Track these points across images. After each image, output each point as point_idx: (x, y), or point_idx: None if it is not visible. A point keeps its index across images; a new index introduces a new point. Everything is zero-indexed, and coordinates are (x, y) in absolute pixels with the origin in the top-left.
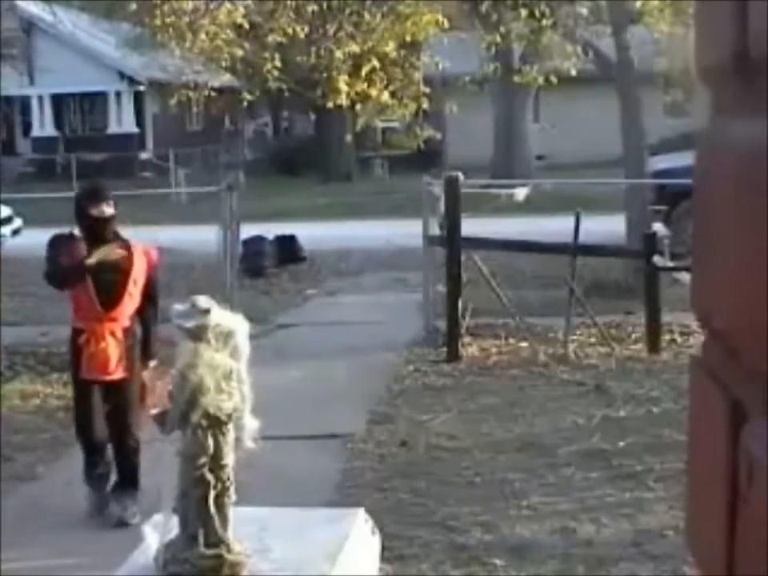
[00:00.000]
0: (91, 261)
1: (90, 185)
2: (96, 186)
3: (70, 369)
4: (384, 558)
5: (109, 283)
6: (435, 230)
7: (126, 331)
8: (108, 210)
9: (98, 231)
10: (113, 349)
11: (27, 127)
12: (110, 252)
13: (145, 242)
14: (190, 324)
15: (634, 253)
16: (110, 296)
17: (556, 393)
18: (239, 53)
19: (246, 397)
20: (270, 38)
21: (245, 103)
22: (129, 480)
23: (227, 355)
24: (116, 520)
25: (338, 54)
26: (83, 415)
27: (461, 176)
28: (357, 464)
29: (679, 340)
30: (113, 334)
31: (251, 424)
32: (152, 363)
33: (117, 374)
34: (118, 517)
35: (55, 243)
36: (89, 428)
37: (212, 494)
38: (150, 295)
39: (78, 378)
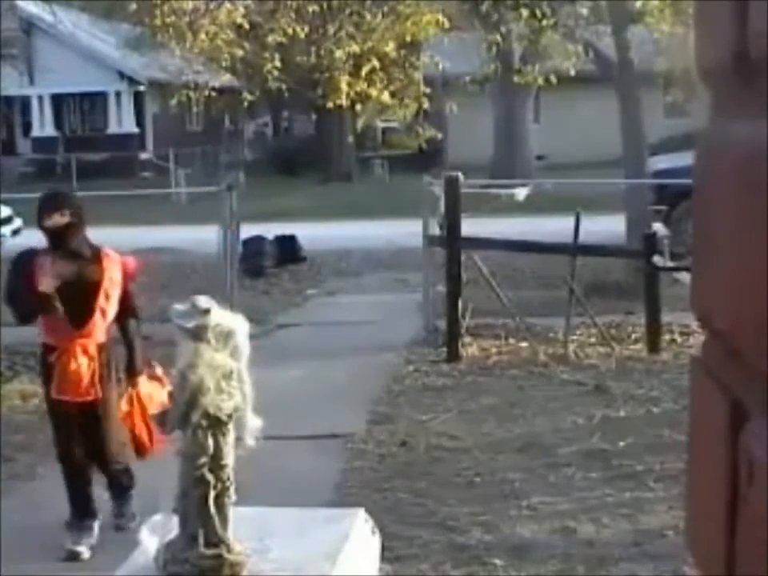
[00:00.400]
0: (44, 287)
1: (44, 194)
2: (48, 196)
3: (42, 387)
4: (384, 558)
5: (77, 298)
6: (435, 230)
7: (101, 348)
8: (60, 219)
9: (56, 242)
10: (86, 368)
11: (27, 127)
12: (63, 272)
13: (118, 250)
14: (190, 324)
15: (634, 253)
16: (80, 311)
17: (556, 393)
18: (239, 53)
19: (248, 396)
20: (270, 38)
21: (245, 103)
22: (122, 488)
23: (227, 355)
24: (114, 525)
25: (339, 53)
26: (59, 437)
27: (461, 176)
28: (357, 464)
29: (679, 340)
30: (85, 351)
31: (253, 423)
32: (140, 379)
33: (91, 394)
34: (115, 524)
35: (17, 262)
36: (67, 450)
37: (212, 494)
38: (128, 307)
39: (51, 399)
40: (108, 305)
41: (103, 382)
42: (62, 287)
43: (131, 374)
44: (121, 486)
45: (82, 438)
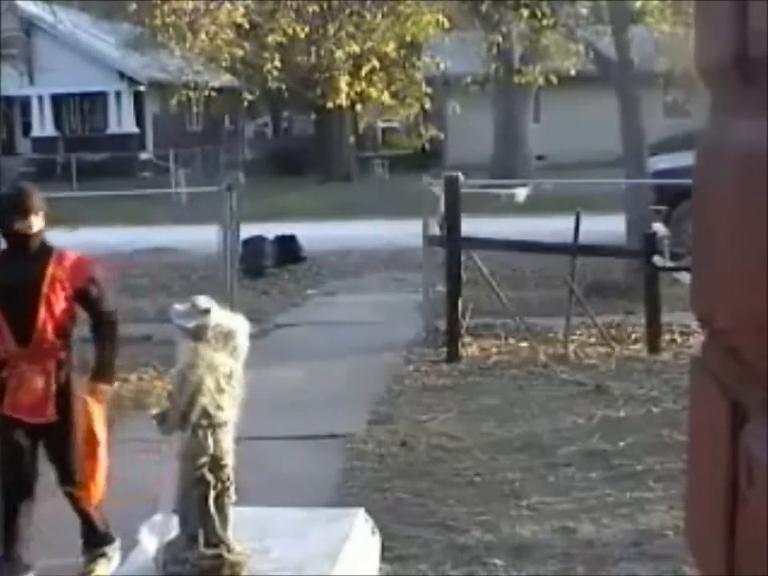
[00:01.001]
0: None
1: (14, 193)
2: (19, 195)
3: None
4: (384, 558)
5: (21, 308)
6: (435, 230)
7: (60, 362)
8: (34, 222)
9: (17, 247)
10: (39, 385)
11: (27, 127)
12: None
13: (79, 250)
14: (190, 324)
15: (634, 253)
16: (25, 322)
17: (556, 393)
18: (239, 53)
19: (238, 396)
20: (270, 38)
21: (245, 103)
22: (92, 529)
23: (227, 355)
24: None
25: (339, 53)
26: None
27: (461, 176)
28: (357, 464)
29: (679, 340)
30: (37, 367)
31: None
32: (106, 387)
33: (48, 415)
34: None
35: None
36: (4, 475)
37: (212, 494)
38: (94, 311)
39: (2, 415)
40: (57, 314)
41: (62, 398)
42: (3, 298)
43: (96, 379)
44: (91, 527)
45: (32, 464)
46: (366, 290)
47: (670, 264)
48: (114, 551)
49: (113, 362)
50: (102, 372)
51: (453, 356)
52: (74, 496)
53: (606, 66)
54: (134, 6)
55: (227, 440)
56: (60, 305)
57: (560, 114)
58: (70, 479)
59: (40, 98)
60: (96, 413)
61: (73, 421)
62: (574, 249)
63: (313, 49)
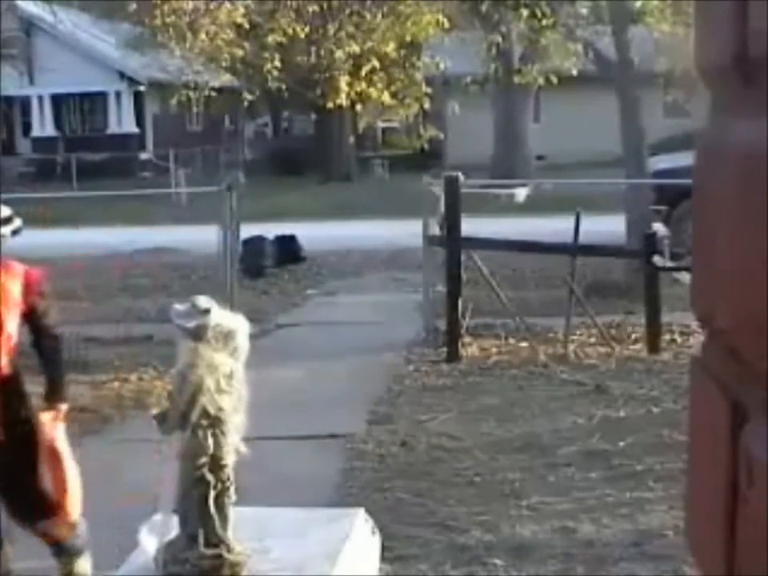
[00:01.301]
0: None
1: None
2: None
3: None
4: (384, 558)
5: None
6: (435, 230)
7: (6, 379)
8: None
9: None
10: None
11: (27, 127)
12: None
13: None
14: (190, 324)
15: (634, 253)
16: None
17: (556, 393)
18: (239, 53)
19: (243, 398)
20: (270, 38)
21: (245, 103)
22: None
23: (227, 355)
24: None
25: (339, 53)
26: None
27: (461, 176)
28: (357, 464)
29: (679, 340)
30: None
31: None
32: (63, 406)
33: None
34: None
35: None
36: None
37: (212, 494)
38: (38, 325)
39: None
40: (3, 328)
41: (9, 417)
42: None
43: (50, 400)
44: (68, 548)
45: None
46: (366, 289)
47: (669, 264)
48: (86, 547)
49: (63, 378)
50: (55, 390)
51: (453, 356)
52: (37, 532)
53: (606, 66)
54: (133, 6)
55: (227, 440)
56: (9, 318)
57: (560, 113)
58: (28, 510)
59: (40, 98)
60: (55, 430)
61: (26, 441)
62: (574, 249)
63: (313, 49)
